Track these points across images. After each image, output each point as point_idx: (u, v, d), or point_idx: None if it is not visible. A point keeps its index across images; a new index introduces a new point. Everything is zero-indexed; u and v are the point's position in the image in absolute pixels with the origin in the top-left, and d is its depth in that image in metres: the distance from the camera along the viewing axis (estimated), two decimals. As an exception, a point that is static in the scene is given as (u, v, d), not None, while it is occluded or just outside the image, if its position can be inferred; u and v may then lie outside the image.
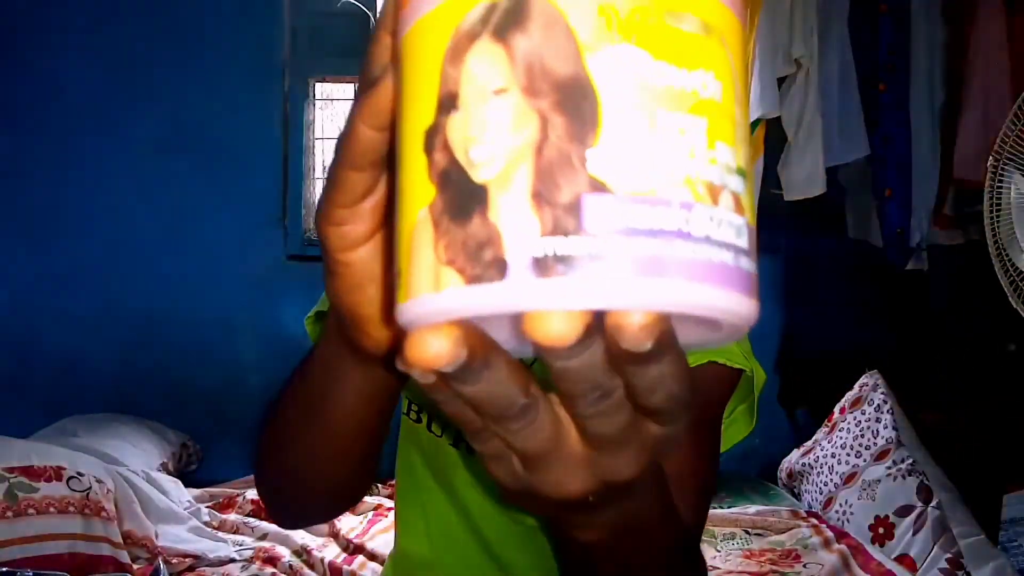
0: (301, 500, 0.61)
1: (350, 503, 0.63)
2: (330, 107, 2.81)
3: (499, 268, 0.20)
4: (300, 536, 1.84)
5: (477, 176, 0.20)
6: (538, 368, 0.27)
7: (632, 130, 0.20)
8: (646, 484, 0.35)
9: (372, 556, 1.76)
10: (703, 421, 0.66)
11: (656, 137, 0.20)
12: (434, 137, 0.21)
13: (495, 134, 0.20)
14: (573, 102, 0.20)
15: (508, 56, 0.20)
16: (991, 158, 1.67)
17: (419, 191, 0.21)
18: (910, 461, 1.90)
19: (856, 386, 2.19)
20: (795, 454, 2.28)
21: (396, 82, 0.24)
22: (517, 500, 0.31)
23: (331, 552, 1.78)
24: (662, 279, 0.20)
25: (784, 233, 2.39)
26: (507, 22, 0.20)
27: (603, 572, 0.41)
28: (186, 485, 2.07)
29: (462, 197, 0.20)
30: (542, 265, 0.19)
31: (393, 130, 0.26)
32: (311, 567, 1.73)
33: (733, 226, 0.22)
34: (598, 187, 0.20)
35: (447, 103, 0.21)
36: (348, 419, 0.48)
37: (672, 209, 0.20)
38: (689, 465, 0.60)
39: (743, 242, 0.22)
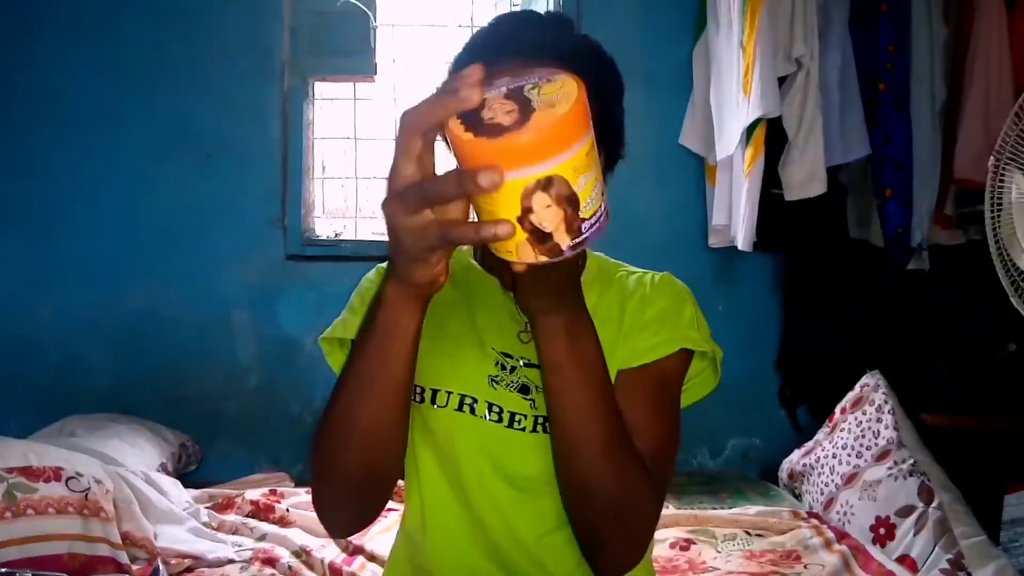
0: (363, 478, 0.74)
1: (393, 482, 0.78)
2: (329, 106, 2.81)
3: (559, 253, 0.55)
4: (299, 537, 1.83)
5: (547, 229, 0.54)
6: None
7: (584, 203, 0.55)
8: (580, 306, 0.71)
9: (372, 557, 1.76)
10: (667, 401, 0.84)
11: (591, 199, 0.55)
12: (522, 220, 0.53)
13: (549, 218, 0.53)
14: (573, 204, 0.53)
15: (550, 194, 0.52)
16: (992, 158, 1.67)
17: (519, 234, 0.54)
18: (911, 462, 1.89)
19: (857, 387, 2.19)
20: (796, 455, 2.28)
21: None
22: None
23: (330, 553, 1.78)
24: (596, 234, 0.56)
25: (785, 233, 2.39)
26: (547, 185, 0.52)
27: (566, 377, 0.71)
28: (185, 486, 2.06)
29: (540, 235, 0.54)
30: (573, 248, 0.55)
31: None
32: (310, 568, 1.72)
33: (603, 205, 0.57)
34: (583, 220, 0.55)
35: (526, 209, 0.53)
36: (408, 367, 0.69)
37: (599, 213, 0.56)
38: (655, 435, 0.79)
39: (604, 206, 0.57)
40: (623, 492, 0.73)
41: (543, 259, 0.55)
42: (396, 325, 0.66)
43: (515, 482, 0.85)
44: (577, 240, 0.54)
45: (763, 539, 1.88)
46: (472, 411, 0.85)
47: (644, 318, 0.86)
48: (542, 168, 0.51)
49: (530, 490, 0.84)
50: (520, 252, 0.55)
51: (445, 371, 0.86)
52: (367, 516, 0.80)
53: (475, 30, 0.90)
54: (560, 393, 0.71)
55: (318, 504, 0.79)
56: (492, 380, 0.85)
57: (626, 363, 0.83)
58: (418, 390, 0.86)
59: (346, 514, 0.79)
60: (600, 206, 0.55)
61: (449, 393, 0.86)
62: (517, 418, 0.84)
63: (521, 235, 0.54)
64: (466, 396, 0.85)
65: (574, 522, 0.77)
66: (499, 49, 0.81)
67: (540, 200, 0.52)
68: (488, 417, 0.85)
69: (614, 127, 0.87)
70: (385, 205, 0.56)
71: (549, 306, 0.68)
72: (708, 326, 0.88)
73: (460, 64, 0.85)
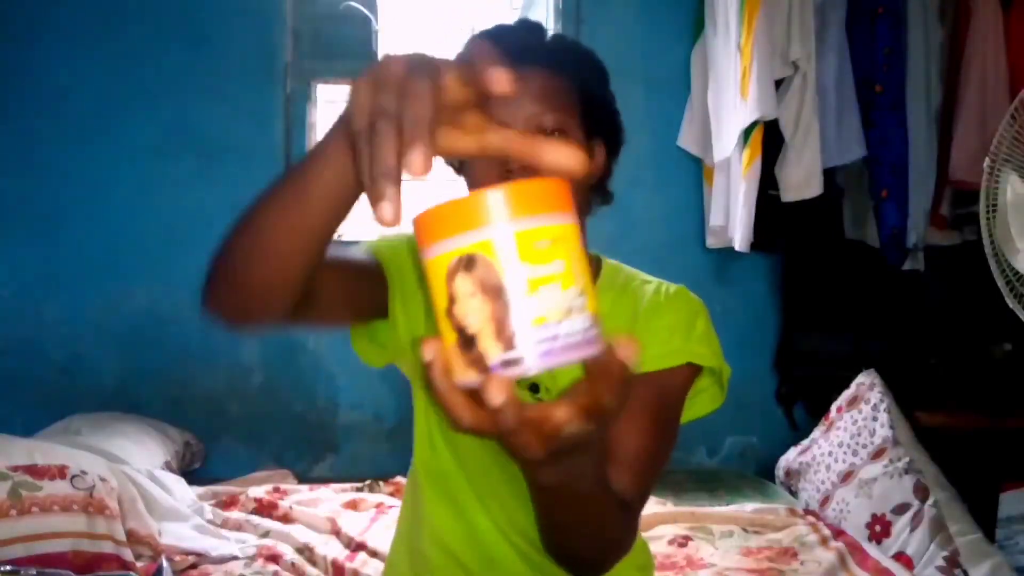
0: (265, 284, 0.64)
1: (296, 303, 0.67)
2: (332, 109, 2.83)
3: (484, 369, 0.42)
4: (303, 533, 1.85)
5: (470, 331, 0.42)
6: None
7: (527, 302, 0.41)
8: (586, 456, 0.54)
9: (374, 553, 1.77)
10: (665, 414, 0.82)
11: (537, 303, 0.41)
12: (450, 313, 0.42)
13: (473, 313, 0.42)
14: (502, 298, 0.41)
15: (471, 279, 0.41)
16: (987, 159, 1.68)
17: (448, 334, 0.43)
18: (907, 460, 1.90)
19: (853, 385, 2.20)
20: (793, 452, 2.29)
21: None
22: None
23: (333, 549, 1.79)
24: (552, 358, 0.42)
25: (782, 234, 2.41)
26: (468, 263, 0.41)
27: (556, 506, 0.60)
28: (189, 483, 2.07)
29: (465, 339, 0.42)
30: (505, 365, 0.41)
31: None
32: (313, 564, 1.73)
33: (582, 322, 0.42)
34: (519, 329, 0.41)
35: (451, 300, 0.42)
36: (331, 202, 0.57)
37: (551, 327, 0.41)
38: (645, 447, 0.77)
39: (589, 324, 0.43)
40: (606, 547, 0.70)
41: (469, 378, 0.42)
42: (327, 161, 0.56)
43: (517, 476, 0.85)
44: (510, 356, 0.41)
45: (760, 536, 1.89)
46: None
47: (654, 326, 0.85)
48: (466, 240, 0.41)
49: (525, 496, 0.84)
50: (454, 366, 0.43)
51: None
52: (277, 306, 0.70)
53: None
54: (545, 514, 0.63)
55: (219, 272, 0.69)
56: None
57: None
58: None
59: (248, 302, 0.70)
60: (556, 322, 0.41)
61: None
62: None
63: (450, 336, 0.42)
64: None
65: (548, 554, 0.71)
66: (502, 57, 0.82)
67: (462, 285, 0.41)
68: None
69: (608, 113, 0.88)
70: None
71: (534, 468, 0.52)
72: (719, 343, 0.87)
73: None
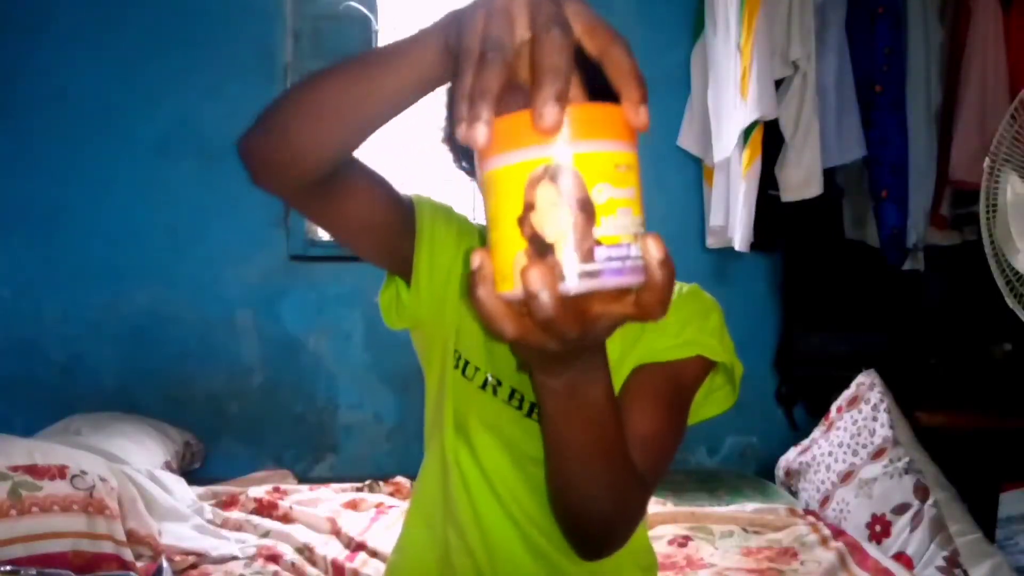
0: (307, 148, 0.66)
1: (322, 180, 0.70)
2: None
3: (558, 277, 0.42)
4: (303, 533, 1.85)
5: (548, 239, 0.42)
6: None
7: (608, 219, 0.42)
8: (591, 361, 0.57)
9: (374, 553, 1.77)
10: (675, 400, 0.82)
11: (615, 221, 0.42)
12: (523, 221, 0.42)
13: (554, 223, 0.42)
14: (586, 210, 0.42)
15: (556, 189, 0.41)
16: (987, 159, 1.68)
17: (514, 244, 0.43)
18: (907, 460, 1.90)
19: (853, 385, 2.20)
20: (793, 452, 2.29)
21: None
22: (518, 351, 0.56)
23: (334, 549, 1.79)
24: (623, 277, 0.43)
25: (782, 234, 2.41)
26: (554, 174, 0.42)
27: (564, 425, 0.62)
28: (189, 483, 2.07)
29: (539, 247, 0.42)
30: (582, 276, 0.42)
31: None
32: (313, 564, 1.73)
33: (640, 250, 0.44)
34: (598, 243, 0.42)
35: (528, 207, 0.42)
36: (402, 100, 0.60)
37: (623, 248, 0.43)
38: (657, 430, 0.77)
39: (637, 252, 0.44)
40: (615, 510, 0.71)
41: (534, 284, 0.42)
42: (412, 65, 0.58)
43: (524, 465, 0.87)
44: (588, 268, 0.41)
45: (760, 536, 1.89)
46: (495, 392, 0.87)
47: (666, 321, 0.84)
48: (551, 151, 0.41)
49: (538, 475, 0.84)
50: (517, 275, 0.43)
51: (480, 347, 0.88)
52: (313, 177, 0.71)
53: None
54: (556, 444, 0.65)
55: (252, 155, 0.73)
56: (521, 366, 0.83)
57: (641, 360, 0.82)
58: (456, 354, 0.88)
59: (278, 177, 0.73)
60: (628, 244, 0.42)
61: (477, 369, 0.87)
62: (537, 409, 0.85)
63: (519, 243, 0.42)
64: (492, 376, 0.87)
65: (558, 519, 0.75)
66: None
67: (545, 195, 0.41)
68: (509, 402, 0.87)
69: (598, 81, 0.87)
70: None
71: (549, 366, 0.56)
72: (732, 342, 0.87)
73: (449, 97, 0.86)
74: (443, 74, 0.57)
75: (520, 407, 0.86)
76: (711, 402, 0.89)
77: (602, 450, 0.64)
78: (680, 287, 0.91)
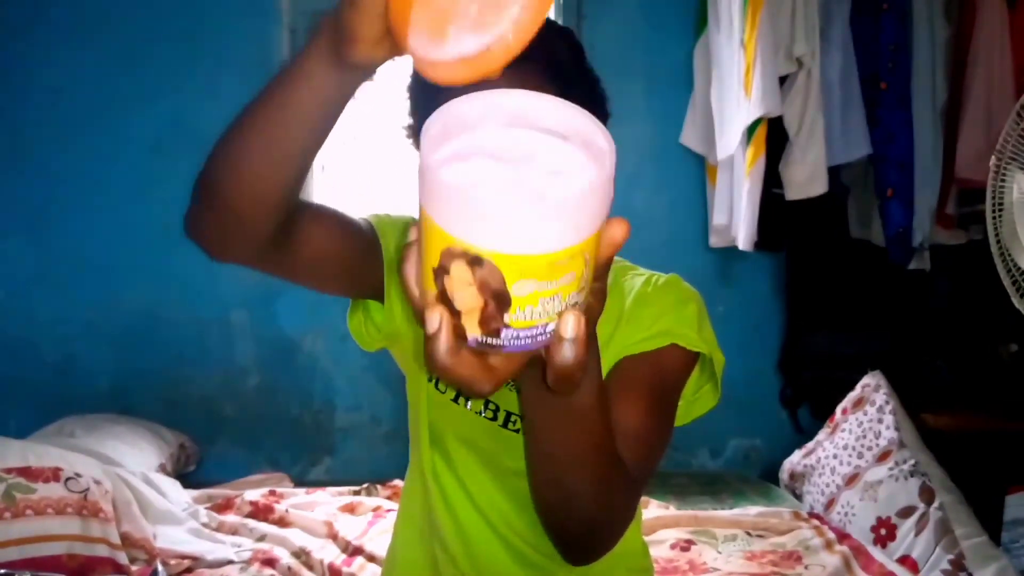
0: (244, 203, 0.66)
1: (276, 237, 0.69)
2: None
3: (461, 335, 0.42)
4: (299, 537, 1.83)
5: (455, 306, 0.41)
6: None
7: (522, 312, 0.40)
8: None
9: (371, 558, 1.75)
10: (659, 392, 0.79)
11: (533, 310, 0.41)
12: (438, 274, 0.41)
13: (463, 299, 0.40)
14: (500, 300, 0.40)
15: (471, 273, 0.39)
16: (993, 157, 1.66)
17: (429, 279, 0.42)
18: (912, 462, 1.89)
19: (858, 387, 2.19)
20: (797, 455, 2.27)
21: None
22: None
23: (330, 553, 1.78)
24: (530, 345, 0.43)
25: (786, 233, 2.39)
26: (473, 260, 0.39)
27: (551, 432, 0.59)
28: (184, 486, 2.06)
29: (448, 303, 0.42)
30: (479, 344, 0.42)
31: None
32: (310, 568, 1.72)
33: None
34: (507, 326, 0.41)
35: (443, 269, 0.40)
36: (309, 115, 0.60)
37: (538, 328, 0.42)
38: (642, 424, 0.74)
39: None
40: (602, 511, 0.67)
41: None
42: (306, 77, 0.58)
43: (504, 478, 0.86)
44: (490, 340, 0.41)
45: (764, 540, 1.88)
46: (467, 404, 0.85)
47: (640, 315, 0.83)
48: (475, 239, 0.38)
49: (519, 487, 0.82)
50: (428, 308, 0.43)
51: None
52: (251, 241, 0.70)
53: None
54: (542, 450, 0.61)
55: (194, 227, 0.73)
56: None
57: (617, 356, 0.80)
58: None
59: (226, 239, 0.72)
60: (545, 324, 0.41)
61: None
62: (513, 419, 0.84)
63: (431, 285, 0.41)
64: None
65: (544, 524, 0.70)
66: None
67: (459, 273, 0.39)
68: (483, 413, 0.85)
69: (587, 90, 0.84)
70: None
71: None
72: (713, 332, 0.84)
73: (417, 87, 0.83)
74: (342, 82, 0.57)
75: (495, 418, 0.84)
76: (696, 404, 0.86)
77: (590, 453, 0.61)
78: (656, 278, 0.88)
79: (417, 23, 0.48)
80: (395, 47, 0.53)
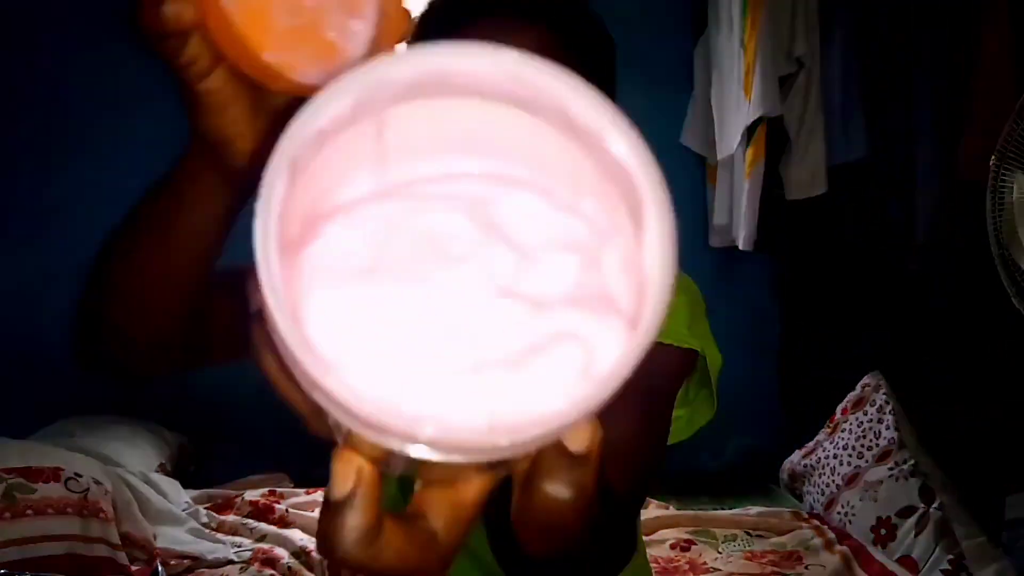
0: (137, 329, 0.59)
1: (183, 351, 0.62)
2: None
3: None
4: (299, 537, 1.83)
5: None
6: None
7: None
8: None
9: (371, 558, 1.75)
10: (649, 398, 0.68)
11: None
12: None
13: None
14: None
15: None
16: (993, 157, 1.66)
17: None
18: (912, 462, 1.89)
19: (858, 387, 2.19)
20: (797, 455, 2.28)
21: None
22: None
23: (330, 554, 1.77)
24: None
25: (786, 233, 2.39)
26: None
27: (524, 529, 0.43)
28: (184, 486, 2.06)
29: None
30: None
31: None
32: (310, 568, 1.72)
33: None
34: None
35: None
36: (198, 238, 0.53)
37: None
38: (632, 439, 0.63)
39: None
40: (596, 557, 0.55)
41: None
42: (187, 185, 0.52)
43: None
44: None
45: (764, 540, 1.88)
46: None
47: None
48: None
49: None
50: None
51: None
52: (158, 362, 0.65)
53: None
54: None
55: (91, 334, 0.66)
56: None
57: None
58: None
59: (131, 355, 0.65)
60: None
61: None
62: None
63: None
64: None
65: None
66: (471, 10, 0.69)
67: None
68: None
69: (604, 89, 0.79)
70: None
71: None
72: (708, 327, 0.75)
73: (427, 28, 0.71)
74: (207, 164, 0.49)
75: None
76: (691, 416, 0.77)
77: (579, 535, 0.48)
78: None
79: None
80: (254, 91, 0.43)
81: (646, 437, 0.67)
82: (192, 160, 0.50)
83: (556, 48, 0.68)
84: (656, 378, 0.69)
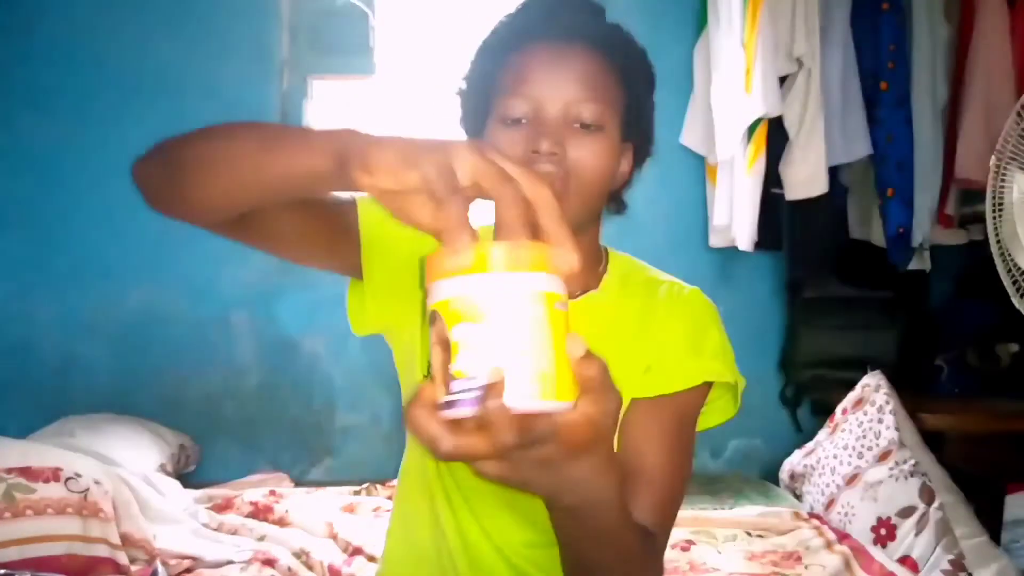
0: (203, 208, 0.68)
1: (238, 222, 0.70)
2: (328, 105, 2.80)
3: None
4: (299, 538, 1.83)
5: (431, 372, 0.48)
6: None
7: (459, 357, 0.45)
8: (598, 466, 0.52)
9: (372, 558, 1.75)
10: (680, 437, 0.78)
11: (466, 356, 0.45)
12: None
13: (432, 358, 0.47)
14: (446, 349, 0.46)
15: (434, 332, 0.47)
16: (993, 157, 1.66)
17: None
18: (912, 462, 1.89)
19: (858, 387, 2.18)
20: (797, 455, 2.27)
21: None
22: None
23: (330, 554, 1.77)
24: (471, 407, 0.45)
25: (786, 232, 2.38)
26: (432, 318, 0.47)
27: (577, 537, 0.59)
28: (184, 486, 2.06)
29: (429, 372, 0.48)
30: (445, 405, 0.46)
31: None
32: (310, 569, 1.71)
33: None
34: (453, 377, 0.45)
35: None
36: (293, 193, 0.66)
37: (472, 380, 0.44)
38: (662, 472, 0.73)
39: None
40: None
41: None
42: (304, 177, 0.59)
43: (504, 490, 0.81)
44: (447, 399, 0.46)
45: (764, 540, 1.88)
46: None
47: (666, 340, 0.81)
48: (431, 297, 0.46)
49: (517, 506, 0.81)
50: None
51: None
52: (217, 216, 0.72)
53: (504, 14, 0.84)
54: (566, 553, 0.63)
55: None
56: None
57: (643, 391, 0.78)
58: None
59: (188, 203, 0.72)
60: (477, 378, 0.44)
61: None
62: None
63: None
64: None
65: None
66: (530, 33, 0.78)
67: (431, 335, 0.47)
68: None
69: (643, 120, 0.85)
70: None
71: (535, 485, 0.53)
72: (732, 352, 0.84)
73: (488, 49, 0.81)
74: (326, 183, 0.57)
75: None
76: (709, 414, 0.85)
77: (615, 560, 0.62)
78: (678, 290, 0.87)
79: None
80: None
81: (676, 468, 0.75)
82: (320, 149, 0.55)
83: (602, 69, 0.80)
84: (687, 411, 0.79)
